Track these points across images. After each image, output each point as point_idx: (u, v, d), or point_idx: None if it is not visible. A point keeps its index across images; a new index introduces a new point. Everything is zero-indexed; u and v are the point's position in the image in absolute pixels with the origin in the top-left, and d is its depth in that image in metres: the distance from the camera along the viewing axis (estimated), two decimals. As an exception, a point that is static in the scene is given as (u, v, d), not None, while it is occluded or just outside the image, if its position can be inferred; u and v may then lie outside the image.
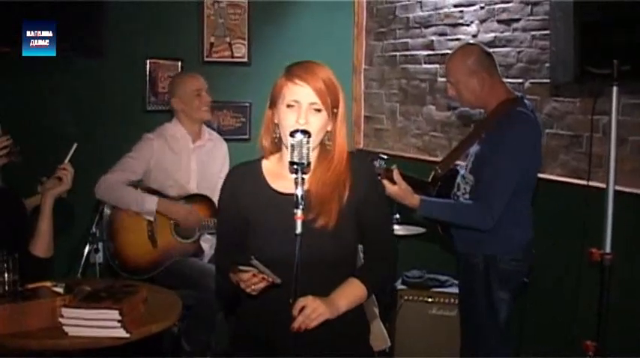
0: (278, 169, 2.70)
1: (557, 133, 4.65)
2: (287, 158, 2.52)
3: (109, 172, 4.50)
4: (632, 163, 4.17)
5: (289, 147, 2.48)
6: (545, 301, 4.52)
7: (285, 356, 2.55)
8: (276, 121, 2.63)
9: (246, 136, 6.05)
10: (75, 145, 3.29)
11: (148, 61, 5.93)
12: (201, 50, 6.09)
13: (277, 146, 2.70)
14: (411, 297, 4.78)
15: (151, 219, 4.53)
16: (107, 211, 4.54)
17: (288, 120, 2.55)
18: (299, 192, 2.42)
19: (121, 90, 5.90)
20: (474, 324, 3.84)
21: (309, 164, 2.50)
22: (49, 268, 3.20)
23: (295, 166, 2.45)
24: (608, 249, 3.62)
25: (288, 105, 2.57)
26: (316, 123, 2.55)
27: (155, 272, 4.48)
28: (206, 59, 6.09)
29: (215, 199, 4.59)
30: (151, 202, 4.49)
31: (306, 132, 2.48)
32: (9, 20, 4.98)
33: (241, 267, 2.45)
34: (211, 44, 6.10)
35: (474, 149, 3.85)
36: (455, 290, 4.64)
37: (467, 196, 3.76)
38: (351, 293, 2.66)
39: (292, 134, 2.48)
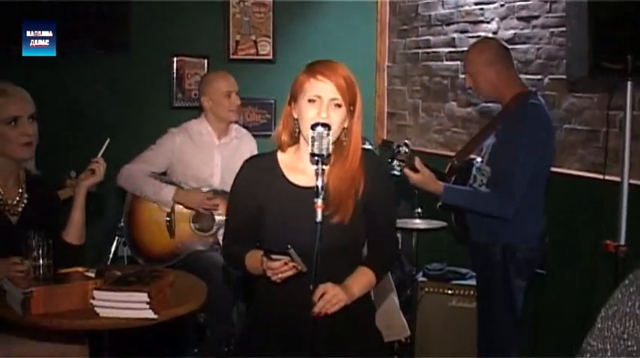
0: (294, 162, 2.82)
1: (574, 128, 4.72)
2: (307, 150, 2.63)
3: (131, 162, 4.62)
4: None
5: (310, 140, 2.58)
6: (561, 292, 4.60)
7: (303, 339, 2.65)
8: (295, 116, 2.74)
9: (271, 132, 6.10)
10: (108, 140, 3.40)
11: (174, 59, 6.06)
12: (227, 48, 6.22)
13: (294, 140, 2.81)
14: (431, 289, 4.87)
15: (168, 209, 4.64)
16: (128, 198, 4.67)
17: (310, 114, 2.66)
18: (319, 182, 2.52)
19: (147, 87, 6.04)
20: (492, 313, 3.93)
21: (329, 156, 2.59)
22: (81, 254, 3.33)
23: (316, 158, 2.55)
24: (622, 241, 3.71)
25: (310, 100, 2.67)
26: (336, 118, 2.66)
27: (171, 263, 4.56)
28: (232, 57, 6.22)
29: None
30: (168, 192, 4.59)
31: (326, 125, 2.59)
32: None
33: (274, 256, 2.55)
34: (237, 42, 6.22)
35: (490, 141, 3.95)
36: (474, 282, 4.69)
37: (483, 187, 3.86)
38: (363, 280, 2.79)
39: (313, 127, 2.59)
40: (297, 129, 2.76)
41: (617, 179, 3.88)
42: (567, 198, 4.47)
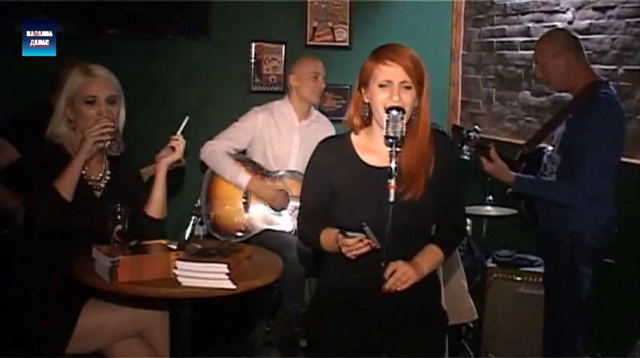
0: (368, 144, 2.93)
1: (647, 119, 4.73)
2: (380, 132, 2.76)
3: (215, 139, 4.81)
4: None
5: (385, 123, 2.71)
6: (630, 281, 4.62)
7: (372, 314, 2.79)
8: (366, 101, 2.86)
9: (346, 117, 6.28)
10: (187, 118, 3.54)
11: (252, 44, 6.21)
12: (305, 34, 6.33)
13: (366, 123, 2.93)
14: (500, 275, 4.94)
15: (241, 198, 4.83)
16: (208, 172, 4.87)
17: (382, 98, 2.77)
18: (393, 164, 2.66)
19: (227, 71, 6.21)
20: (559, 299, 3.99)
21: (402, 138, 2.71)
22: (163, 227, 3.52)
23: (390, 140, 2.68)
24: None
25: (381, 85, 2.79)
26: (407, 100, 2.77)
27: (244, 238, 4.74)
28: (309, 43, 6.33)
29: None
30: (244, 178, 4.79)
31: (400, 109, 2.71)
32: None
33: (350, 233, 2.67)
34: (314, 28, 6.33)
35: (561, 129, 4.01)
36: (543, 269, 4.78)
37: (554, 175, 3.92)
38: (432, 257, 2.89)
39: (388, 111, 2.71)
40: (367, 113, 2.88)
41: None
42: (636, 187, 4.47)
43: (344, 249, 2.71)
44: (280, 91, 6.16)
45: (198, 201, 4.98)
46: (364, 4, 6.44)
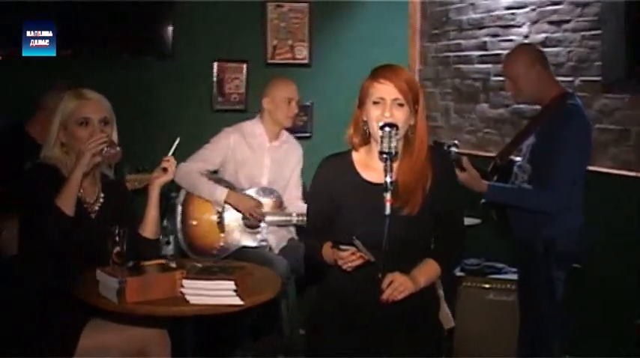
0: (367, 161, 3.03)
1: (606, 128, 4.89)
2: (377, 149, 2.87)
3: (188, 160, 4.83)
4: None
5: (379, 139, 2.83)
6: (599, 285, 4.78)
7: (370, 325, 2.90)
8: (364, 118, 2.96)
9: (308, 134, 6.40)
10: (178, 139, 3.60)
11: (215, 63, 6.28)
12: (265, 52, 6.42)
13: (365, 140, 3.03)
14: (469, 284, 5.06)
15: (220, 208, 4.87)
16: (181, 197, 4.89)
17: (375, 114, 2.89)
18: (388, 178, 2.77)
19: (190, 90, 6.28)
20: (534, 303, 4.13)
21: (396, 153, 2.83)
22: (157, 247, 3.58)
23: (385, 156, 2.79)
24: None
25: (375, 102, 2.90)
26: (400, 117, 2.88)
27: (221, 257, 4.77)
28: (269, 61, 6.42)
29: (284, 197, 4.99)
30: (222, 193, 4.81)
31: (393, 125, 2.83)
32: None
33: (342, 246, 2.77)
34: (274, 47, 6.43)
35: (530, 141, 4.15)
36: (511, 276, 4.96)
37: (525, 184, 4.07)
38: (428, 271, 2.99)
39: (382, 127, 2.83)
40: (367, 131, 2.98)
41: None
42: (601, 195, 4.64)
43: (339, 262, 2.82)
44: (243, 110, 6.26)
45: (164, 221, 5.01)
46: (323, 22, 6.56)
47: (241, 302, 2.99)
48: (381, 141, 2.82)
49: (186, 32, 6.11)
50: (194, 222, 4.88)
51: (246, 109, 6.29)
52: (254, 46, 6.42)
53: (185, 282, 3.01)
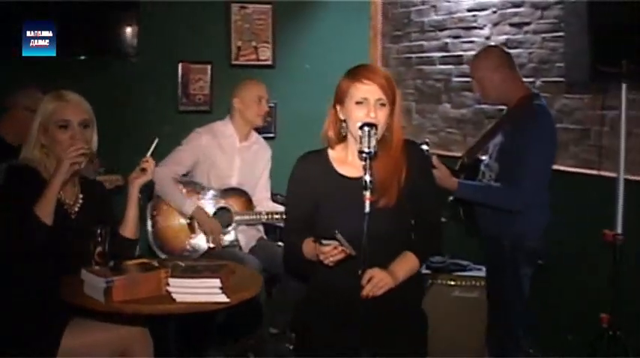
0: (343, 157, 3.11)
1: (567, 128, 5.02)
2: (356, 147, 2.93)
3: (161, 164, 4.78)
4: (637, 153, 4.51)
5: (359, 139, 2.88)
6: (563, 280, 4.91)
7: (353, 320, 2.94)
8: (342, 117, 3.03)
9: (272, 135, 6.44)
10: (156, 140, 3.62)
11: (180, 64, 6.31)
12: (229, 54, 6.47)
13: (341, 138, 3.10)
14: (435, 281, 5.14)
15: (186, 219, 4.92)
16: (154, 199, 4.93)
17: (359, 115, 2.95)
18: (367, 177, 2.82)
19: (155, 91, 6.30)
20: (502, 298, 4.24)
21: (376, 153, 2.88)
22: (136, 247, 3.61)
23: (364, 154, 2.85)
24: (619, 230, 4.06)
25: (357, 102, 2.96)
26: (382, 117, 2.96)
27: (191, 257, 4.79)
28: (233, 62, 6.47)
29: (254, 197, 5.04)
30: (190, 206, 4.84)
31: (373, 125, 2.89)
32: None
33: (324, 241, 2.83)
34: (238, 48, 6.47)
35: (497, 140, 4.25)
36: (475, 273, 5.09)
37: (492, 182, 4.17)
38: (407, 264, 3.07)
39: (361, 127, 2.89)
40: (343, 129, 3.05)
41: (609, 174, 4.25)
42: (563, 192, 4.75)
43: (321, 257, 2.87)
44: (207, 111, 6.30)
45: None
46: (287, 23, 6.63)
47: (227, 300, 3.04)
48: (361, 140, 2.88)
49: (150, 33, 6.12)
50: (165, 224, 4.91)
51: (211, 110, 6.32)
52: (218, 47, 6.47)
53: (171, 280, 3.05)
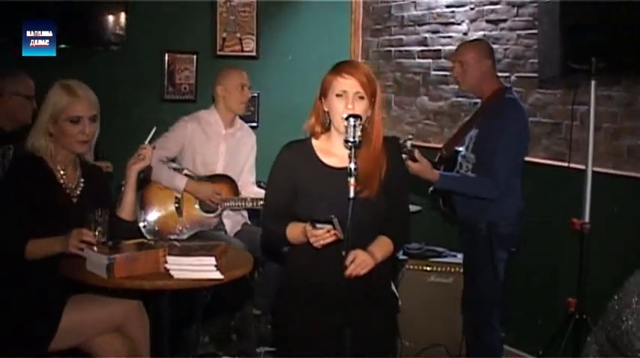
0: (327, 147, 3.31)
1: (539, 121, 5.25)
2: (338, 137, 3.16)
3: None
4: (605, 147, 4.78)
5: (344, 129, 3.08)
6: (533, 267, 5.17)
7: (334, 298, 3.13)
8: (326, 109, 3.24)
9: (255, 124, 6.61)
10: (154, 129, 3.81)
11: (166, 54, 6.45)
12: (214, 45, 6.63)
13: (325, 129, 3.30)
14: (412, 266, 5.33)
15: (178, 194, 5.09)
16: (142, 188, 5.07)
17: (339, 106, 3.16)
18: (352, 165, 3.01)
19: (141, 80, 6.42)
20: (479, 281, 4.48)
21: (360, 142, 3.07)
22: (134, 229, 3.80)
23: (350, 144, 3.04)
24: (587, 219, 4.30)
25: (338, 95, 3.17)
26: (361, 108, 3.16)
27: (179, 239, 4.92)
28: (218, 53, 6.61)
29: (239, 183, 5.21)
30: (181, 181, 5.05)
31: (357, 116, 3.09)
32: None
33: (319, 225, 3.01)
34: (223, 39, 6.62)
35: (473, 133, 4.48)
36: (450, 260, 5.30)
37: (469, 173, 4.40)
38: (384, 247, 3.29)
39: (347, 118, 3.08)
40: (327, 120, 3.25)
41: (578, 166, 4.47)
42: (534, 183, 4.97)
43: (312, 239, 3.06)
44: (192, 100, 6.45)
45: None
46: (270, 16, 6.79)
47: (222, 277, 3.24)
48: (346, 131, 3.07)
49: (138, 23, 6.24)
50: (153, 208, 5.08)
51: (196, 100, 6.47)
52: (204, 38, 6.61)
53: (169, 258, 3.25)
